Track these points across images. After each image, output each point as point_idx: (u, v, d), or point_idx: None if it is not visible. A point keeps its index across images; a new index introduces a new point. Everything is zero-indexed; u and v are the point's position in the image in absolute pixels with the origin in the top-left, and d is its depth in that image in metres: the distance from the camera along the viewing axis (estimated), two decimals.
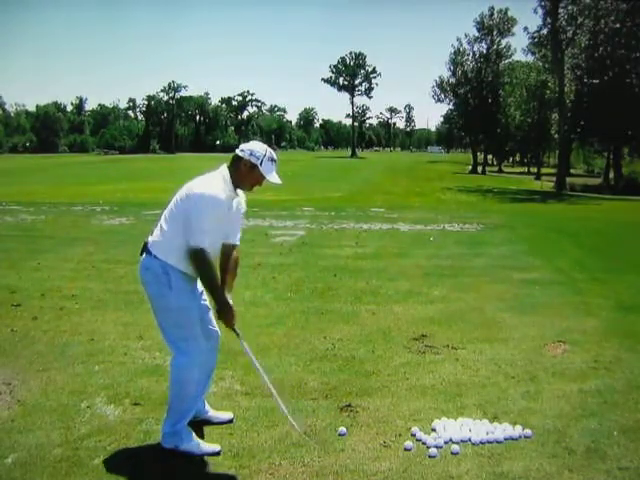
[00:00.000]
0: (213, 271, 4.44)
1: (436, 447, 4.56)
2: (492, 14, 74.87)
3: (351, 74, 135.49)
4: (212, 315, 4.77)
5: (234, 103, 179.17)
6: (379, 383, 5.84)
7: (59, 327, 7.51)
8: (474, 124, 76.93)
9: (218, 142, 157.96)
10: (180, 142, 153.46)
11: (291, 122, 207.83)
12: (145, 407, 5.21)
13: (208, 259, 4.37)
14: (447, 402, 5.40)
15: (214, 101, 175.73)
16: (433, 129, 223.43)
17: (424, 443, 4.64)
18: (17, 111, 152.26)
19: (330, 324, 7.77)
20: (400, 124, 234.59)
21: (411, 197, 28.55)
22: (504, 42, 75.93)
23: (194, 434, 4.57)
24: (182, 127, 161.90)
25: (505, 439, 4.70)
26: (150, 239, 4.55)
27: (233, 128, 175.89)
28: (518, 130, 79.59)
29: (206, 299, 4.79)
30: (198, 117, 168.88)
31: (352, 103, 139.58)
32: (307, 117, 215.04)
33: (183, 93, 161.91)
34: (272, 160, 4.52)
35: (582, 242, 15.65)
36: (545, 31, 46.18)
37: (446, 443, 4.63)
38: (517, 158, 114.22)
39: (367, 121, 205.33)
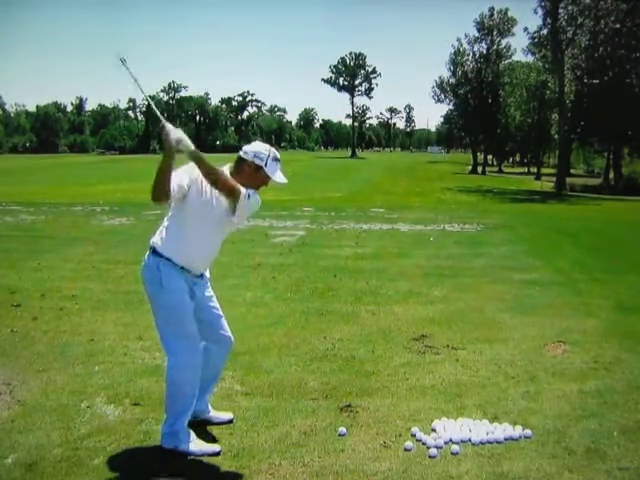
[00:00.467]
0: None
1: (436, 447, 4.56)
2: (492, 14, 74.91)
3: (351, 74, 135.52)
4: (224, 321, 4.79)
5: (234, 103, 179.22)
6: (379, 383, 5.84)
7: (59, 327, 7.51)
8: (474, 124, 76.96)
9: (218, 142, 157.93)
10: None
11: (291, 122, 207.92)
12: (145, 407, 5.21)
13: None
14: (447, 402, 5.40)
15: (214, 101, 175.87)
16: (433, 129, 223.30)
17: (424, 443, 4.64)
18: (17, 111, 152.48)
19: (330, 324, 7.78)
20: (400, 124, 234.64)
21: (411, 197, 28.57)
22: (504, 42, 76.01)
23: (194, 434, 4.57)
24: (182, 127, 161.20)
25: (505, 439, 4.70)
26: (153, 238, 4.56)
27: (233, 128, 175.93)
28: (518, 130, 79.63)
29: (217, 307, 4.80)
30: (198, 117, 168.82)
31: (352, 103, 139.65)
32: (307, 117, 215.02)
33: (183, 93, 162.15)
34: (276, 160, 4.51)
35: (582, 242, 15.66)
36: (545, 31, 46.19)
37: (446, 443, 4.63)
38: (517, 158, 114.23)
39: (367, 121, 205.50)
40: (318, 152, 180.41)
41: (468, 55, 78.39)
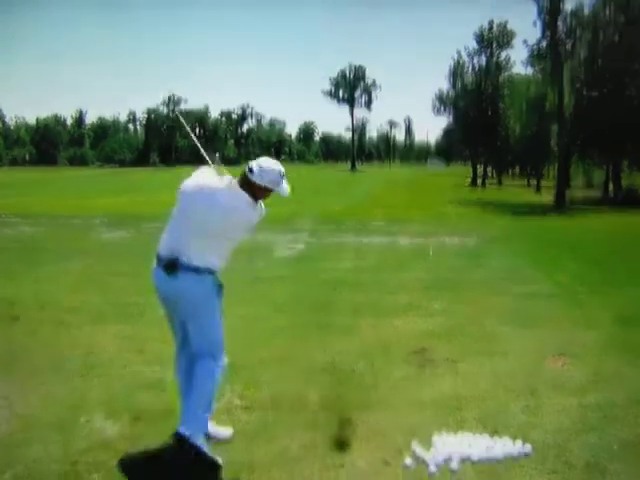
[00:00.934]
0: None
1: (435, 465, 4.54)
2: (491, 27, 75.09)
3: (351, 87, 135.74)
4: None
5: (234, 117, 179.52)
6: (379, 397, 5.83)
7: (58, 340, 7.50)
8: (474, 137, 77.00)
9: (218, 155, 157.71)
10: (180, 155, 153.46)
11: (291, 135, 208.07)
12: (145, 422, 5.19)
13: None
14: (447, 416, 5.39)
15: (214, 113, 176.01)
16: (433, 141, 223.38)
17: (423, 461, 4.62)
18: (17, 124, 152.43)
19: (330, 337, 7.76)
20: (400, 136, 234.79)
21: (411, 210, 28.53)
22: (503, 55, 76.13)
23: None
24: (182, 140, 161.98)
25: (505, 456, 4.68)
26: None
27: (233, 141, 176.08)
28: (518, 143, 79.63)
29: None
30: (198, 130, 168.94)
31: (352, 115, 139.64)
32: (307, 130, 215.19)
33: (183, 106, 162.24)
34: (284, 176, 4.62)
35: (582, 254, 15.64)
36: (544, 44, 46.25)
37: (445, 460, 4.61)
38: (517, 170, 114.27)
39: (367, 134, 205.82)
40: (318, 165, 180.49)
41: (468, 67, 78.53)
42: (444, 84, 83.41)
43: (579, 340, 7.76)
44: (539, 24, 43.30)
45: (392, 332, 8.04)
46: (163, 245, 4.64)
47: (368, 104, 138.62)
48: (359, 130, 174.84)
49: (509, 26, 74.78)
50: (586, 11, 45.58)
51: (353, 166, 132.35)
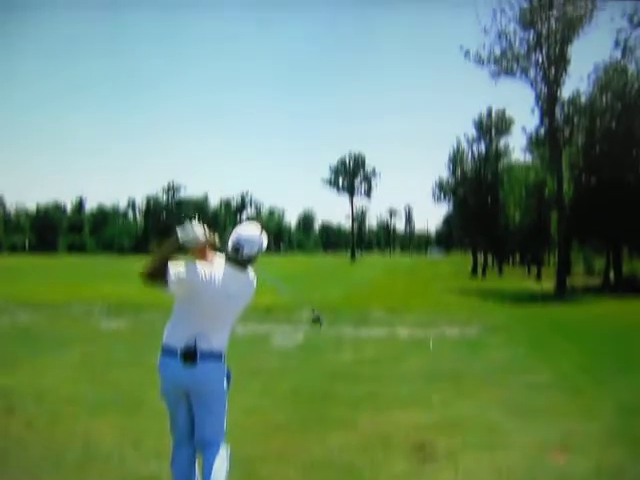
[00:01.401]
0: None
1: None
2: (490, 114, 76.27)
3: (350, 175, 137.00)
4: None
5: (233, 204, 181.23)
6: None
7: (54, 433, 7.41)
8: (474, 225, 77.36)
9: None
10: None
11: (290, 223, 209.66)
12: None
13: None
14: None
15: (213, 201, 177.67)
16: (433, 229, 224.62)
17: None
18: (17, 211, 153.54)
19: (329, 431, 7.67)
20: (400, 225, 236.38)
21: (411, 299, 28.49)
22: (502, 141, 77.05)
23: None
24: (182, 226, 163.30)
25: None
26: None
27: (232, 229, 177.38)
28: (518, 230, 79.94)
29: None
30: (197, 218, 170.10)
31: (352, 204, 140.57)
32: (306, 220, 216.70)
33: (182, 194, 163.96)
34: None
35: (583, 343, 15.58)
36: (542, 131, 47.00)
37: None
38: (517, 258, 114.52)
39: (367, 222, 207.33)
40: (317, 254, 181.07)
41: (467, 155, 79.32)
42: (444, 172, 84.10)
43: (581, 430, 7.69)
44: (537, 111, 44.00)
45: (392, 425, 7.94)
46: (174, 335, 4.64)
47: (368, 192, 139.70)
48: (359, 218, 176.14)
49: (508, 113, 75.74)
50: (583, 99, 46.51)
51: (353, 255, 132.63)
